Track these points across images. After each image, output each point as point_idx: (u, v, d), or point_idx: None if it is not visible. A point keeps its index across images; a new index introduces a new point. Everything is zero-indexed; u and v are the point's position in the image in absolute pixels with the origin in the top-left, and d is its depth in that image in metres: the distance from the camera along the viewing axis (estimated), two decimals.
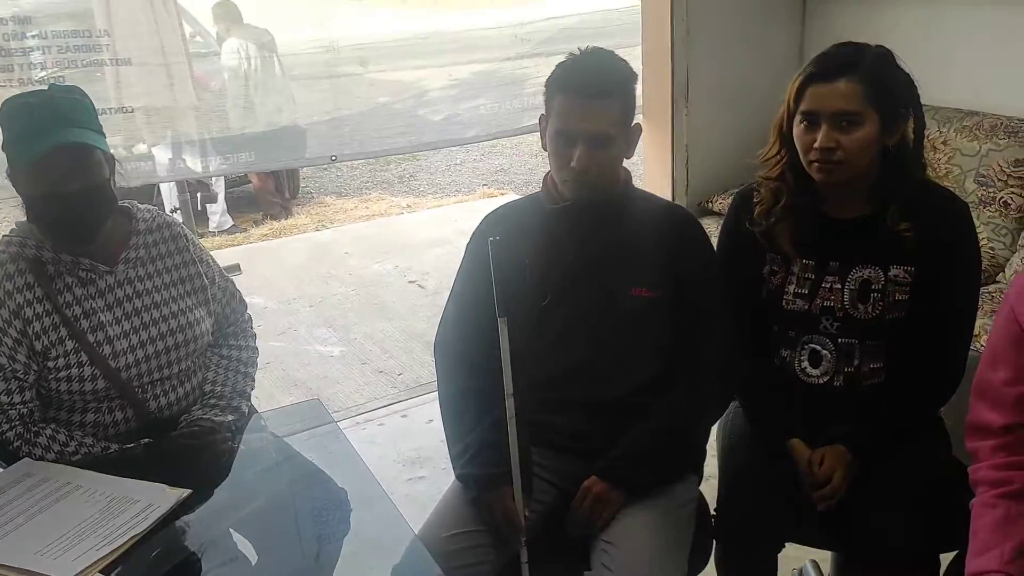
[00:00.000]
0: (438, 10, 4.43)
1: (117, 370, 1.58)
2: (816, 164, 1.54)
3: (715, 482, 1.73)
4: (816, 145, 1.52)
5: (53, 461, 1.50)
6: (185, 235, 1.75)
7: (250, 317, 1.90)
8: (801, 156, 1.57)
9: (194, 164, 3.97)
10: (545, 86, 1.59)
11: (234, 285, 1.86)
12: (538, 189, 1.72)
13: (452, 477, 1.64)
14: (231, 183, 6.23)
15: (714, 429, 1.76)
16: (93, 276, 1.59)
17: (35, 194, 1.50)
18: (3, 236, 1.59)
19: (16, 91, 2.93)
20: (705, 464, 1.73)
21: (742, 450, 1.72)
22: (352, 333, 4.18)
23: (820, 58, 1.54)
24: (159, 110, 3.75)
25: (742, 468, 1.69)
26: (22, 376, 1.53)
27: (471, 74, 4.45)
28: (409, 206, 6.71)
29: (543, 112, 1.62)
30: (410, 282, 4.84)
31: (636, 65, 1.81)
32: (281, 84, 4.33)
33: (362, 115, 4.21)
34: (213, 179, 5.66)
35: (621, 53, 1.62)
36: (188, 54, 3.87)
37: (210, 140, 3.93)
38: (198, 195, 5.84)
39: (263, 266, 5.21)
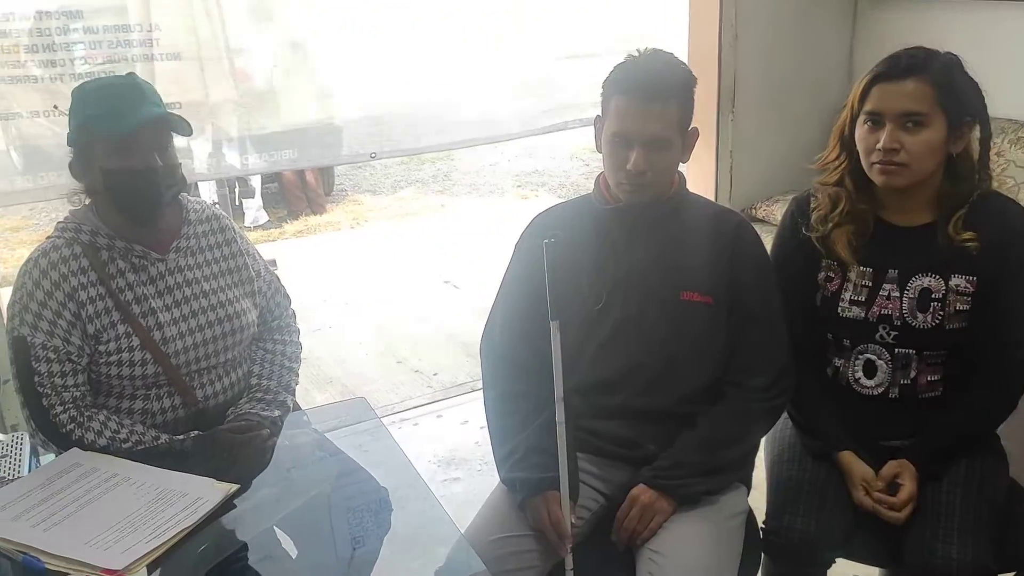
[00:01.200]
0: (474, 13, 4.44)
1: (167, 356, 1.58)
2: (878, 166, 1.51)
3: (759, 494, 1.69)
4: (879, 146, 1.49)
5: (104, 447, 1.50)
6: (232, 228, 1.76)
7: (294, 313, 1.89)
8: (863, 158, 1.54)
9: (234, 160, 3.98)
10: (602, 87, 1.56)
11: (279, 280, 1.86)
12: (574, 191, 1.70)
13: (487, 479, 1.62)
14: (264, 179, 6.28)
15: (761, 440, 1.73)
16: (145, 263, 1.60)
17: (118, 167, 1.51)
18: (58, 222, 1.60)
19: (64, 85, 2.95)
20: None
21: (791, 462, 1.69)
22: (387, 332, 4.18)
23: (889, 59, 1.51)
24: (200, 105, 3.78)
25: (792, 481, 1.65)
26: (75, 359, 1.53)
27: (506, 74, 4.47)
28: (443, 206, 6.72)
29: (598, 113, 1.60)
30: (444, 282, 4.83)
31: None
32: (318, 81, 4.34)
33: (399, 113, 4.23)
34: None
35: None
36: (229, 49, 3.89)
37: (249, 137, 3.95)
38: (236, 190, 5.89)
39: (298, 262, 5.23)
